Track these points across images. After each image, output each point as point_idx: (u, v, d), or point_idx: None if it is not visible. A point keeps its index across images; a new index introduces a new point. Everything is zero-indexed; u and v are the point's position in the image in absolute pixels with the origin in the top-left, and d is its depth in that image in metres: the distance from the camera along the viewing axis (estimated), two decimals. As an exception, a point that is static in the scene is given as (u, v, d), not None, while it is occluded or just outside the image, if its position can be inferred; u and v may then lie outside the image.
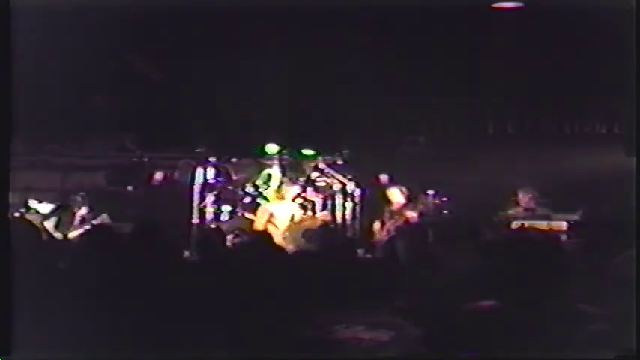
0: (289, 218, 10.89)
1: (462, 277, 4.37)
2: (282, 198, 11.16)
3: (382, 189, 11.34)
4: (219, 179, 12.33)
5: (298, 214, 11.09)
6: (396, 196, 11.08)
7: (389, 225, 10.87)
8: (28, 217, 10.23)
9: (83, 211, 10.84)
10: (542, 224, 10.11)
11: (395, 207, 11.03)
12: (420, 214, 10.85)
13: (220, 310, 4.38)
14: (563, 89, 11.76)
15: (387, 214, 11.06)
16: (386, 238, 10.74)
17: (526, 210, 10.77)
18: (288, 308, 4.18)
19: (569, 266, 3.67)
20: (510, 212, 10.76)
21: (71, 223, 10.71)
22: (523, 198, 10.79)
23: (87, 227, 10.28)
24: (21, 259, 4.18)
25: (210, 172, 12.39)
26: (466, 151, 12.21)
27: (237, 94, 11.64)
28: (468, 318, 3.52)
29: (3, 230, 4.32)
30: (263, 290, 4.56)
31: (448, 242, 5.21)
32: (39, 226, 10.20)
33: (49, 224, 10.49)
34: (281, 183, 11.69)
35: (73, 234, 10.23)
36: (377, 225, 10.99)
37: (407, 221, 10.71)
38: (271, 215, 10.89)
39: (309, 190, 11.91)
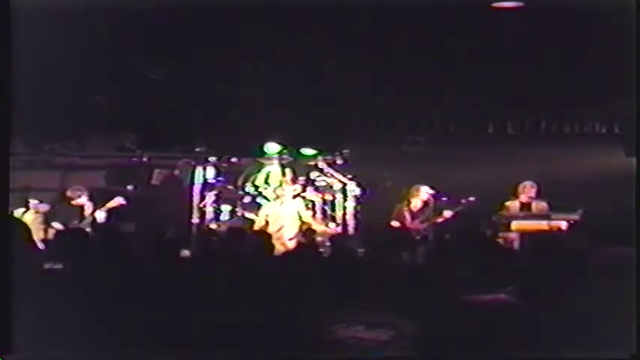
0: (293, 218, 10.91)
1: (462, 276, 4.37)
2: (280, 197, 11.19)
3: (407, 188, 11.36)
4: (219, 179, 12.32)
5: (305, 213, 11.12)
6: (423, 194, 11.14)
7: (416, 224, 10.95)
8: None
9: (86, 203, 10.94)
10: (542, 224, 10.13)
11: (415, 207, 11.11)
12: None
13: (220, 310, 4.38)
14: (563, 89, 11.75)
15: (406, 214, 11.11)
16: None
17: (524, 204, 10.78)
18: (288, 308, 4.18)
19: (568, 266, 3.66)
20: (508, 204, 10.80)
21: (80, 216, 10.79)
22: (524, 190, 10.81)
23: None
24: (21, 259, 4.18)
25: (210, 172, 12.38)
26: (466, 151, 12.20)
27: (237, 94, 11.62)
28: (468, 318, 3.51)
29: (3, 230, 4.32)
30: (263, 290, 4.56)
31: (450, 242, 5.21)
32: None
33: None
34: (280, 183, 11.70)
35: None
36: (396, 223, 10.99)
37: (439, 221, 10.84)
38: (268, 215, 10.96)
39: (309, 189, 11.91)
